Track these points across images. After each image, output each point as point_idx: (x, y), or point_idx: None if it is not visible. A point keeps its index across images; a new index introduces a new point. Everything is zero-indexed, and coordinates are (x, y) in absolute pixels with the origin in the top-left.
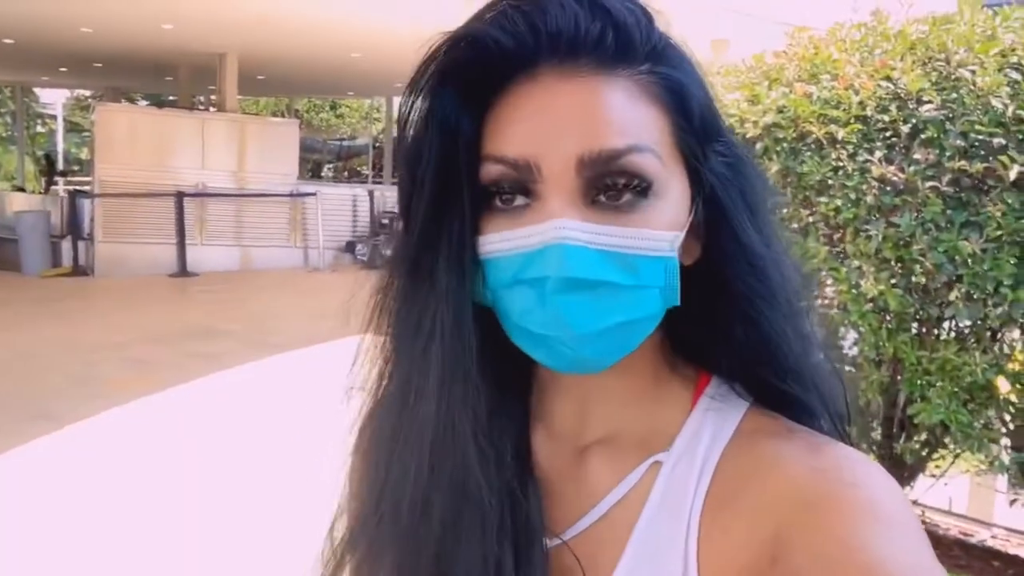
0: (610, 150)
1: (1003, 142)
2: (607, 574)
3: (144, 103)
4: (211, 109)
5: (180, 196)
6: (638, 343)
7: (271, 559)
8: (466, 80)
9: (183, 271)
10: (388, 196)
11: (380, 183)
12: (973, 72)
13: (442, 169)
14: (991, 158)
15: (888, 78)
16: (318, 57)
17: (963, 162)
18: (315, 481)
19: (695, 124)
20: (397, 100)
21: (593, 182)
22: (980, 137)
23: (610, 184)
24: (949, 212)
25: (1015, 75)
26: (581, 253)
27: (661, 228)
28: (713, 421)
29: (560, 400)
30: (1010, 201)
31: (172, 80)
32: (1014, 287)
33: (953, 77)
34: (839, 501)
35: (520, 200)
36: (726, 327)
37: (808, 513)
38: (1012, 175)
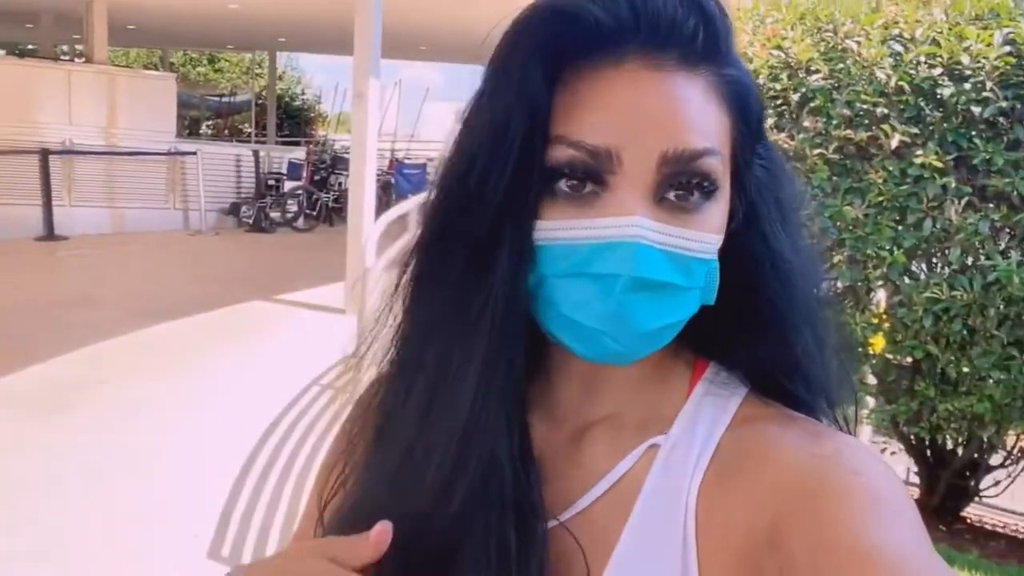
0: (692, 150)
1: (885, 111)
2: (605, 555)
3: (1, 52)
4: (77, 60)
5: (45, 154)
6: (670, 340)
7: (170, 527)
8: (554, 54)
9: (51, 234)
10: (274, 156)
11: (263, 142)
12: (858, 43)
13: (518, 146)
14: (874, 127)
15: (780, 47)
16: (194, 6)
17: (848, 131)
18: (220, 444)
19: (752, 129)
20: (281, 55)
21: (668, 180)
22: (864, 107)
23: (683, 183)
24: (835, 179)
25: (897, 47)
26: (652, 254)
27: (713, 231)
28: (711, 405)
29: (565, 384)
30: (891, 168)
31: (32, 28)
32: (892, 250)
33: (840, 48)
34: (838, 488)
35: (589, 188)
36: (743, 327)
37: (807, 499)
38: (893, 143)
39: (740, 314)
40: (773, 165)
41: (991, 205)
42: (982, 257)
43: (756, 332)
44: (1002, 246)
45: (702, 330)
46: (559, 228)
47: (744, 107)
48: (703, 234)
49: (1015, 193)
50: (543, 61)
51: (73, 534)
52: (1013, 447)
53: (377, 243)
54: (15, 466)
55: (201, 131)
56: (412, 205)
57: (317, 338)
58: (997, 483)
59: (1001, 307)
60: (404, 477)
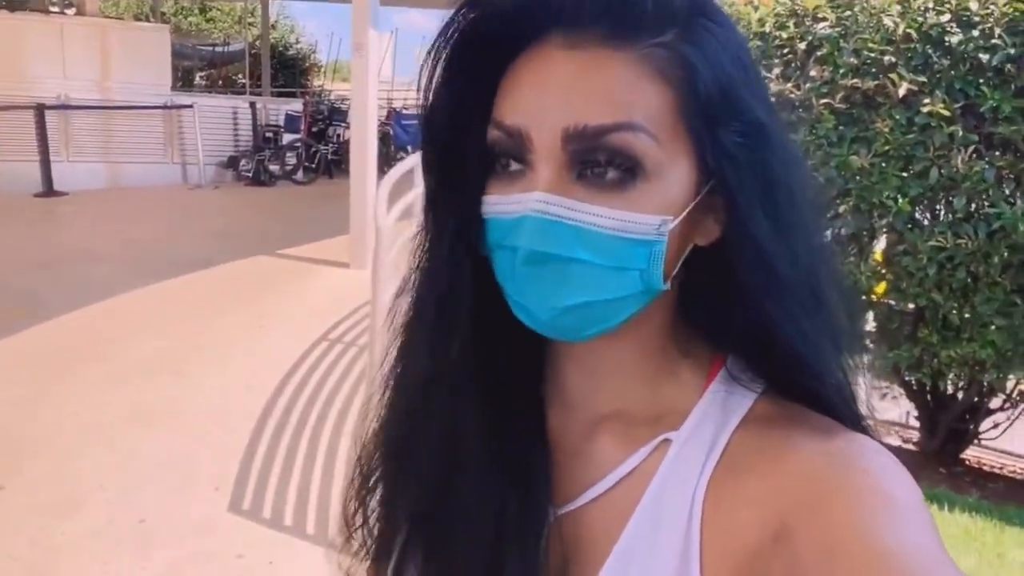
0: (596, 126)
1: (893, 60)
2: (609, 546)
3: None
4: (68, 12)
5: (41, 109)
6: (620, 320)
7: (179, 487)
8: (476, 46)
9: (50, 190)
10: (271, 108)
11: (258, 93)
12: None
13: (451, 133)
14: (881, 75)
15: None
16: None
17: (855, 79)
18: (233, 399)
19: (704, 103)
20: (273, 2)
21: (578, 156)
22: (872, 55)
23: (594, 160)
24: (841, 128)
25: None
26: (554, 227)
27: (649, 211)
28: (724, 403)
29: (570, 370)
30: (897, 117)
31: None
32: (897, 199)
33: None
34: (847, 486)
35: (515, 166)
36: (729, 314)
37: (815, 497)
38: (901, 92)
39: (725, 300)
40: (758, 143)
41: (997, 153)
42: (987, 205)
43: (738, 319)
44: (1007, 193)
45: (712, 325)
46: (490, 203)
47: (691, 82)
48: (628, 212)
49: (1022, 140)
50: (465, 52)
51: (93, 490)
52: (1012, 390)
53: (379, 199)
54: (30, 425)
55: (195, 82)
56: (416, 162)
57: (323, 293)
58: (996, 426)
59: (1005, 254)
60: (411, 456)
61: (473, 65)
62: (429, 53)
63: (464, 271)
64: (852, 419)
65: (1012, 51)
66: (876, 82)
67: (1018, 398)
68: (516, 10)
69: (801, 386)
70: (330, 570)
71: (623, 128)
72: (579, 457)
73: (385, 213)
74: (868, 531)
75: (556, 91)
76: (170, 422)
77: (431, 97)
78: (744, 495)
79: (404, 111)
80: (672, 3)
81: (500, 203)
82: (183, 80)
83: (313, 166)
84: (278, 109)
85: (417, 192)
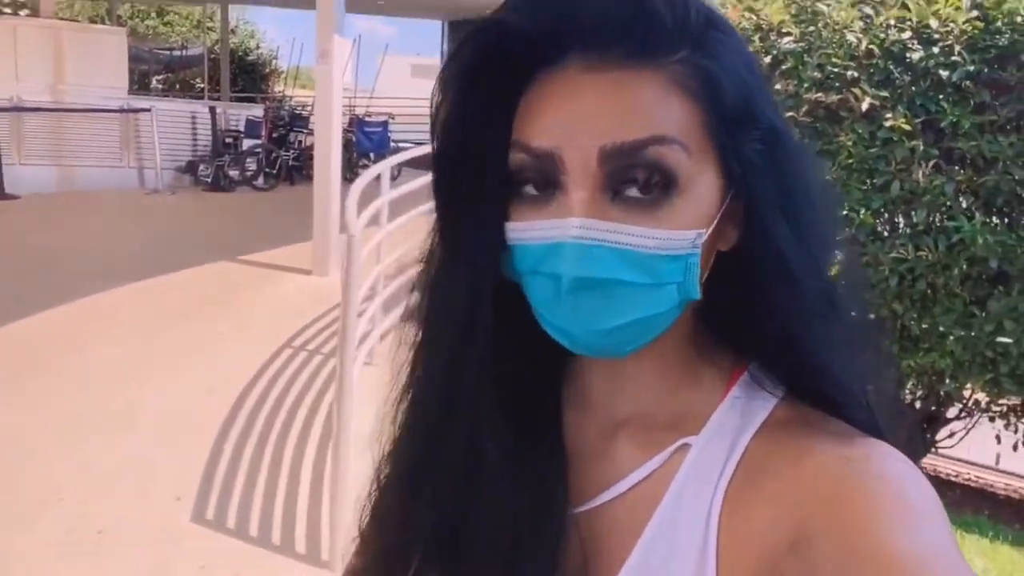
0: (632, 141)
1: (856, 75)
2: (626, 549)
3: None
4: (21, 13)
5: None
6: (657, 334)
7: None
8: (493, 70)
9: (1, 193)
10: (231, 113)
11: (217, 98)
12: (829, 6)
13: (469, 160)
14: (845, 90)
15: (751, 10)
16: None
17: (819, 93)
18: (193, 407)
19: (727, 114)
20: (233, 8)
21: (616, 175)
22: (835, 70)
23: (634, 178)
24: (806, 141)
25: (867, 10)
26: (596, 252)
27: (685, 225)
28: (744, 408)
29: (592, 377)
30: (860, 131)
31: None
32: (859, 211)
33: (811, 10)
34: (864, 493)
35: (547, 190)
36: (750, 319)
37: (832, 503)
38: (864, 106)
39: (745, 305)
40: (776, 149)
41: (957, 167)
42: (946, 218)
43: (760, 324)
44: (965, 207)
45: (735, 330)
46: (519, 229)
47: (714, 92)
48: (666, 231)
49: (980, 156)
50: (481, 77)
51: (50, 500)
52: (968, 400)
53: (348, 206)
54: None
55: (151, 86)
56: (384, 167)
57: (286, 299)
58: (952, 435)
59: (964, 266)
60: (430, 465)
61: (490, 88)
62: (442, 75)
63: (485, 297)
64: (870, 425)
65: (971, 68)
66: (839, 96)
67: (974, 407)
68: (537, 32)
69: (820, 392)
70: None
71: (658, 142)
72: (597, 459)
73: (355, 219)
74: (886, 539)
75: (587, 112)
76: (129, 430)
77: (446, 120)
78: (762, 500)
79: (367, 118)
80: (688, 18)
81: (531, 229)
82: (140, 84)
83: (274, 172)
84: (238, 114)
85: (385, 200)
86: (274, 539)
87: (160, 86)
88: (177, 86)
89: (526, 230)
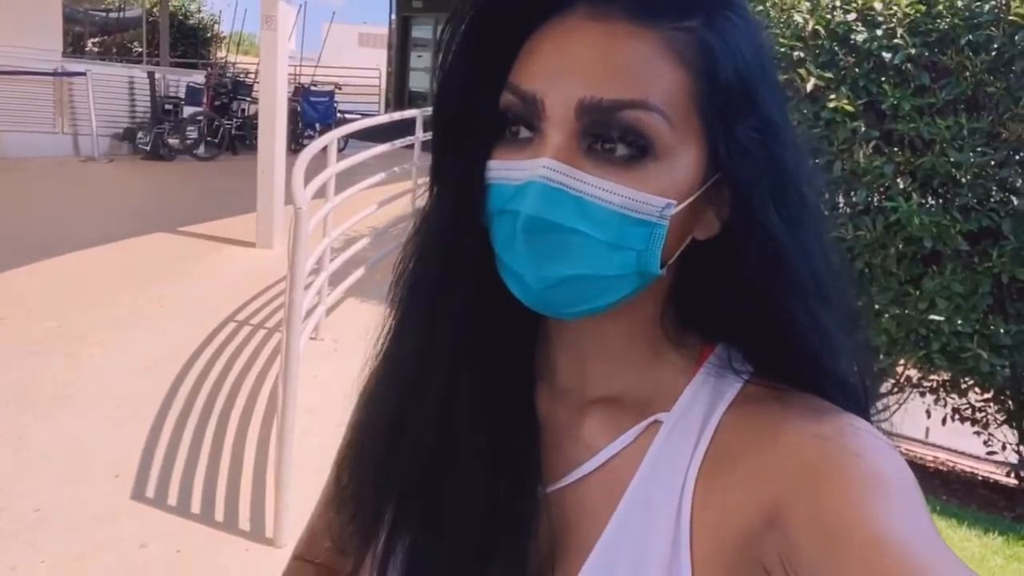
0: (612, 100)
1: (802, 55)
2: (598, 526)
3: None
4: None
5: None
6: (612, 300)
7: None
8: (500, 14)
9: None
10: (171, 79)
11: (156, 63)
12: None
13: (464, 100)
14: (790, 70)
15: None
16: None
17: None
18: (132, 383)
19: (720, 92)
20: None
21: (590, 129)
22: (782, 50)
23: (608, 135)
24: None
25: None
26: (557, 195)
27: (655, 191)
28: (716, 385)
29: (560, 353)
30: (805, 111)
31: None
32: None
33: None
34: (840, 471)
35: (525, 133)
36: (734, 307)
37: (808, 482)
38: (808, 87)
39: (730, 293)
40: (772, 140)
41: (896, 149)
42: (884, 198)
43: (745, 312)
44: (903, 187)
45: (701, 313)
46: (496, 168)
47: (710, 69)
48: (630, 190)
49: (918, 138)
50: (488, 19)
51: None
52: (901, 376)
53: (295, 178)
54: None
55: (87, 49)
56: (330, 139)
57: (228, 272)
58: (885, 408)
59: (900, 246)
60: (400, 426)
61: (494, 34)
62: (449, 20)
63: (465, 238)
64: (845, 401)
65: (912, 51)
66: (785, 76)
67: (905, 383)
68: None
69: (799, 378)
70: (242, 557)
71: (638, 106)
72: (569, 437)
73: (303, 191)
74: (862, 515)
75: (575, 61)
76: (63, 407)
77: (447, 64)
78: (736, 477)
79: (313, 87)
80: None
81: (505, 168)
82: (74, 47)
83: (216, 141)
84: (178, 80)
85: (332, 172)
86: (217, 516)
87: (96, 49)
88: (114, 50)
89: (501, 169)
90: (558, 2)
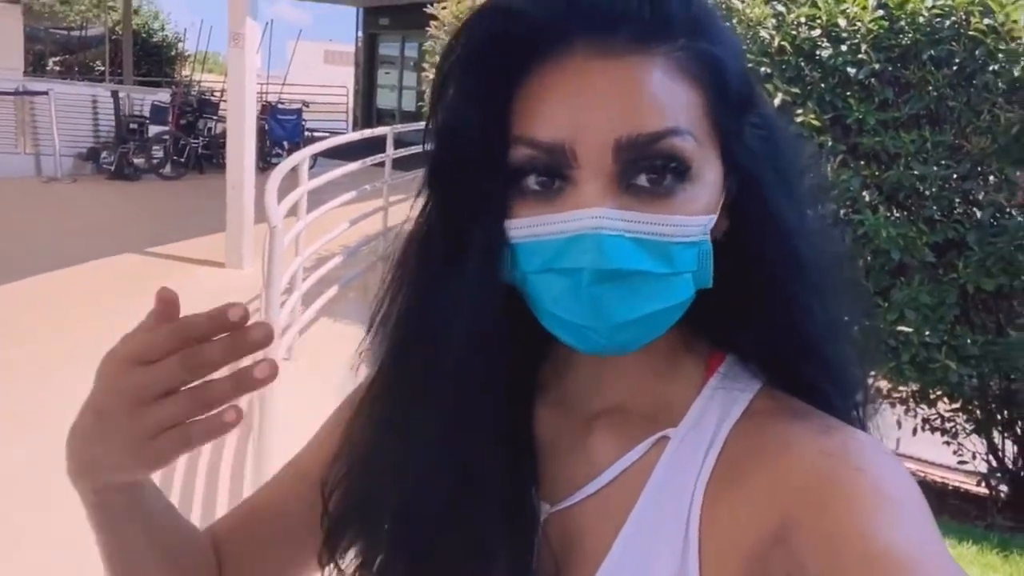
0: (649, 133)
1: (768, 71)
2: (606, 544)
3: None
4: None
5: None
6: (669, 326)
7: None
8: (495, 56)
9: None
10: (135, 98)
11: (120, 82)
12: (744, 2)
13: (472, 151)
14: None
15: None
16: None
17: None
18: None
19: (731, 101)
20: None
21: (630, 166)
22: (749, 65)
23: (647, 168)
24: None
25: (779, 7)
26: (617, 243)
27: (696, 212)
28: (723, 399)
29: (572, 373)
30: None
31: None
32: None
33: (725, 6)
34: (845, 486)
35: (555, 183)
36: (749, 304)
37: (814, 498)
38: (776, 102)
39: (749, 297)
40: (772, 133)
41: (862, 163)
42: (852, 211)
43: (766, 315)
44: (869, 200)
45: (716, 319)
46: (527, 226)
47: (718, 79)
48: (680, 217)
49: (884, 151)
50: (483, 63)
51: None
52: (871, 387)
53: (268, 196)
54: None
55: (48, 68)
56: (301, 157)
57: (198, 293)
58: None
59: (868, 258)
60: (394, 462)
61: (490, 77)
62: (441, 65)
63: (494, 301)
64: (851, 412)
65: (876, 66)
66: None
67: (876, 394)
68: (540, 16)
69: (806, 380)
70: None
71: (674, 133)
72: (574, 454)
73: (276, 208)
74: (868, 531)
75: (599, 102)
76: (32, 433)
77: (447, 113)
78: (743, 494)
79: (280, 105)
80: (690, 5)
81: (540, 224)
82: (36, 66)
83: (182, 160)
84: (143, 99)
85: (303, 190)
86: None
87: (58, 68)
88: (76, 69)
89: (534, 226)
90: (556, 38)
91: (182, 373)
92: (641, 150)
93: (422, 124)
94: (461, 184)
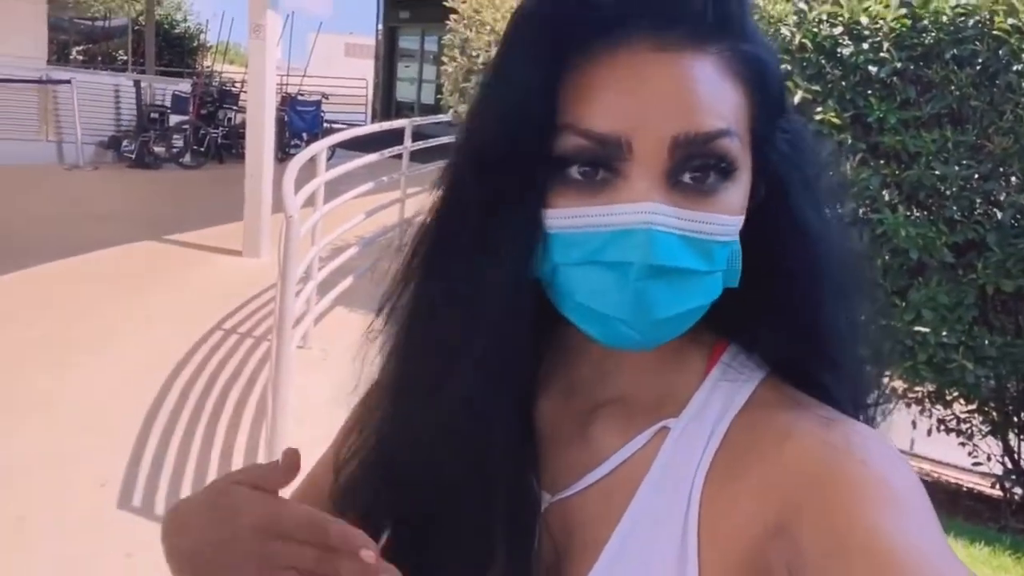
0: (706, 132)
1: (789, 68)
2: (606, 534)
3: None
4: None
5: None
6: (695, 323)
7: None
8: (553, 39)
9: None
10: (157, 88)
11: (142, 72)
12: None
13: (523, 136)
14: None
15: None
16: None
17: None
18: (119, 391)
19: (771, 104)
20: None
21: (682, 163)
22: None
23: (698, 166)
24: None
25: (801, 4)
26: (668, 240)
27: (734, 212)
28: (726, 390)
29: (581, 364)
30: None
31: None
32: None
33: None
34: (848, 478)
35: (600, 174)
36: (771, 306)
37: (816, 489)
38: (796, 99)
39: (768, 295)
40: (798, 138)
41: (882, 161)
42: (871, 210)
43: (783, 313)
44: (888, 199)
45: (723, 311)
46: (570, 216)
47: (761, 82)
48: (722, 216)
49: (904, 150)
50: (547, 48)
51: None
52: (886, 387)
53: (285, 186)
54: None
55: (72, 57)
56: (319, 148)
57: (215, 281)
58: (871, 420)
59: (886, 258)
60: (405, 448)
61: (544, 62)
62: (502, 43)
63: (524, 288)
64: (855, 407)
65: (898, 65)
66: None
67: (891, 394)
68: (600, 4)
69: (812, 375)
70: None
71: (726, 134)
72: (576, 443)
73: (293, 198)
74: (869, 524)
75: (657, 97)
76: (50, 415)
77: (486, 102)
78: (744, 485)
79: (300, 97)
80: (744, 6)
81: (586, 215)
82: (59, 55)
83: (202, 150)
84: (164, 89)
85: (321, 180)
86: None
87: (81, 57)
88: (99, 58)
89: (576, 216)
90: (614, 32)
91: (313, 565)
92: (697, 148)
93: (441, 117)
94: (502, 166)
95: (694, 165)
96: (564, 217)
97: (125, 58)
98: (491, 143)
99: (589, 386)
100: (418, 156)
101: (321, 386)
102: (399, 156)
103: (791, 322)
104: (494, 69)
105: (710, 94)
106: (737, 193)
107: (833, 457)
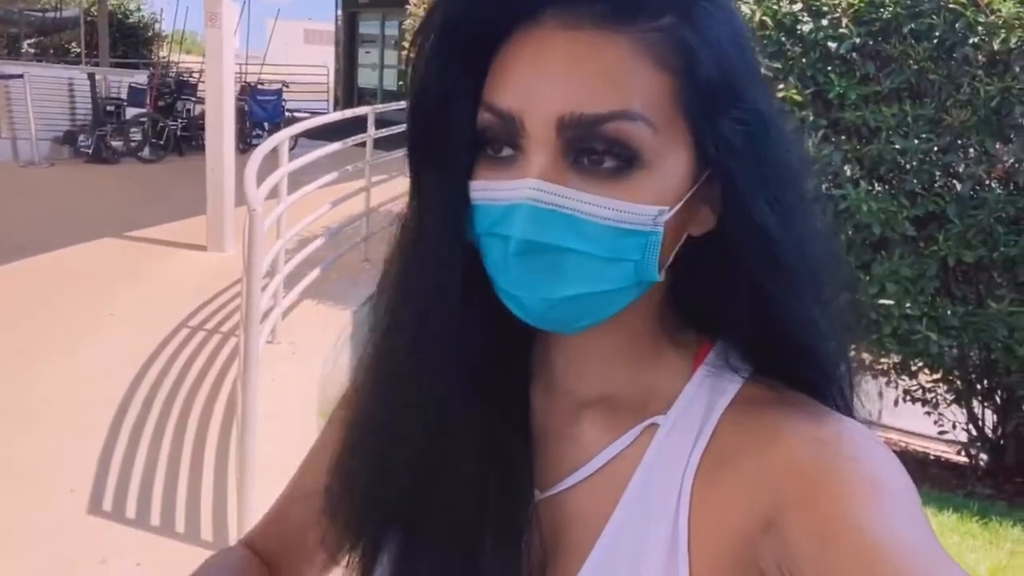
0: (592, 115)
1: None
2: (595, 531)
3: None
4: None
5: None
6: (614, 311)
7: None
8: (467, 26)
9: None
10: (112, 80)
11: (96, 64)
12: None
13: (440, 114)
14: None
15: None
16: None
17: None
18: (84, 393)
19: (703, 89)
20: None
21: (573, 144)
22: (748, 57)
23: (592, 148)
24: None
25: None
26: (548, 215)
27: (645, 201)
28: (712, 387)
29: (558, 356)
30: None
31: None
32: None
33: None
34: (838, 475)
35: (507, 151)
36: (729, 303)
37: (806, 486)
38: None
39: (725, 289)
40: (757, 129)
41: (843, 137)
42: (833, 186)
43: (741, 308)
44: (850, 175)
45: (707, 312)
46: (479, 189)
47: (690, 67)
48: (624, 203)
49: (865, 126)
50: (455, 33)
51: None
52: (856, 378)
53: (247, 178)
54: None
55: (23, 50)
56: (281, 139)
57: (180, 277)
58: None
59: (850, 232)
60: (386, 438)
61: (465, 44)
62: (419, 31)
63: (454, 256)
64: (842, 406)
65: (857, 40)
66: None
67: (858, 366)
68: None
69: (797, 375)
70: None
71: (620, 117)
72: (564, 440)
73: (256, 192)
74: (859, 520)
75: (551, 76)
76: (15, 419)
77: (420, 77)
78: (733, 481)
79: (260, 86)
80: None
81: (489, 189)
82: (9, 49)
83: (161, 143)
84: (120, 81)
85: (284, 171)
86: (178, 527)
87: (32, 51)
88: (52, 51)
89: (485, 189)
90: (526, 11)
91: None
92: (585, 129)
93: (403, 104)
94: (431, 148)
95: (587, 147)
96: (476, 189)
97: (78, 50)
98: (422, 126)
99: (571, 382)
100: (382, 144)
101: (291, 381)
102: (363, 144)
103: (761, 320)
104: (415, 50)
105: (610, 75)
106: (653, 183)
107: (823, 454)
